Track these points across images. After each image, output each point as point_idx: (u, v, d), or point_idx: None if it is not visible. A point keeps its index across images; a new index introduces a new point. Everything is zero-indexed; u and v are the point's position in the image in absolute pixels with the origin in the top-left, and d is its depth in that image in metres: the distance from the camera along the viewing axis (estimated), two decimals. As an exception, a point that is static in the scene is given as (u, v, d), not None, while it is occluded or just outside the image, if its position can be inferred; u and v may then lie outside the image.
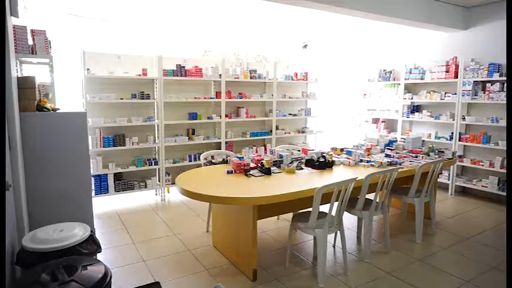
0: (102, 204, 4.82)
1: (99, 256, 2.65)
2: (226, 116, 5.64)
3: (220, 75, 5.50)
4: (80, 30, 5.73)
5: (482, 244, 3.71)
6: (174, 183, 4.35)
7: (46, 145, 2.74)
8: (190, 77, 5.26)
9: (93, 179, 4.65)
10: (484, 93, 5.04)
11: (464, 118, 5.30)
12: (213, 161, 4.09)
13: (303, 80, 6.44)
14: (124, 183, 4.94)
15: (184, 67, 5.22)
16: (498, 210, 4.78)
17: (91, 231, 2.43)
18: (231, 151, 5.19)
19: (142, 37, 6.42)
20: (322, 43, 7.76)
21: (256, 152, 5.86)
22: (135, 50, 6.22)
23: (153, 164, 5.11)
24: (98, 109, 4.79)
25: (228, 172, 3.32)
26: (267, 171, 3.26)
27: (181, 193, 2.91)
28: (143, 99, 4.95)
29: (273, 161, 3.52)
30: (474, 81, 5.14)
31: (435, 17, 5.09)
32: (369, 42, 6.91)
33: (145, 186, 5.09)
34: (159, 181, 5.24)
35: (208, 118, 5.54)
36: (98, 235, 3.59)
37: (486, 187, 5.08)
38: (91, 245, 2.34)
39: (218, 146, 5.66)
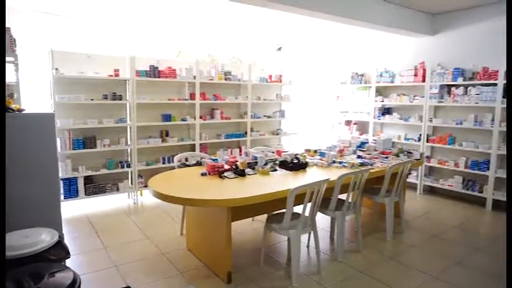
0: (72, 209, 4.67)
1: (68, 262, 2.56)
2: (200, 117, 5.59)
3: (194, 76, 5.45)
4: (48, 28, 5.54)
5: (448, 241, 3.87)
6: (147, 186, 4.28)
7: (11, 148, 2.62)
8: (164, 78, 5.19)
9: (62, 182, 4.49)
10: (450, 96, 5.27)
11: (432, 120, 5.52)
12: (187, 163, 4.06)
13: (277, 82, 6.50)
14: (95, 186, 4.80)
15: (157, 68, 5.15)
16: (463, 208, 5.00)
17: (59, 237, 2.35)
18: (206, 153, 5.16)
19: (114, 37, 6.28)
20: (296, 46, 7.86)
21: (231, 153, 5.85)
22: (106, 49, 6.07)
23: (125, 166, 4.99)
24: (67, 110, 4.63)
25: (202, 174, 3.30)
26: (241, 173, 3.26)
27: (154, 196, 2.86)
28: (115, 100, 4.84)
29: (248, 163, 3.52)
30: (440, 85, 5.37)
31: (403, 23, 5.27)
32: (342, 46, 7.07)
33: (118, 189, 4.97)
34: (131, 184, 5.13)
35: (182, 120, 5.48)
36: (67, 240, 3.47)
37: (452, 186, 5.31)
38: (59, 251, 2.26)
39: (192, 148, 5.61)
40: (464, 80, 5.12)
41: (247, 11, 5.29)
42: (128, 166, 5.03)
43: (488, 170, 4.89)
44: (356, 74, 6.56)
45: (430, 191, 5.78)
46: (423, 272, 3.16)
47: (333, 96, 7.02)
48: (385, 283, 2.96)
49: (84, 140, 4.66)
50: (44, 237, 2.25)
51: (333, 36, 7.09)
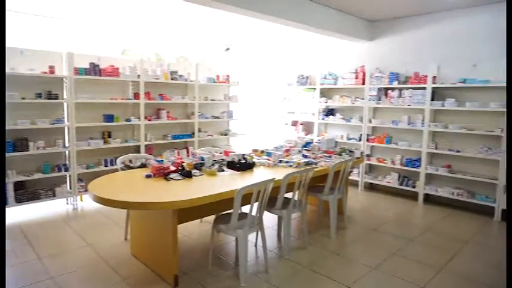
0: (1, 218, 4.26)
1: (-6, 276, 2.33)
2: (145, 118, 5.41)
3: (138, 75, 5.26)
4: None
5: (386, 233, 4.14)
6: (87, 190, 4.04)
7: None
8: (106, 76, 4.95)
9: (-12, 189, 4.09)
10: (386, 98, 5.64)
11: (371, 121, 5.87)
12: (131, 165, 3.90)
13: (225, 82, 6.50)
14: (28, 192, 4.43)
15: (98, 66, 4.89)
16: (399, 202, 5.38)
17: (-17, 249, 2.13)
18: (151, 154, 5.01)
19: (50, 31, 5.86)
20: (244, 47, 7.92)
21: (178, 154, 5.72)
22: (41, 44, 5.65)
23: (62, 170, 4.68)
24: (-6, 110, 4.23)
25: (147, 176, 3.20)
26: (187, 174, 3.21)
27: (94, 200, 2.71)
28: (50, 99, 4.51)
29: (195, 164, 3.48)
30: (378, 88, 5.72)
31: (343, 28, 5.52)
32: (288, 48, 7.25)
33: (54, 195, 4.64)
34: (70, 188, 4.82)
35: (126, 120, 5.27)
36: (-6, 252, 3.17)
37: (389, 182, 5.69)
38: (-17, 264, 2.05)
39: (137, 149, 5.40)
40: (399, 83, 5.51)
41: (194, 9, 5.23)
42: (66, 170, 4.72)
43: (419, 166, 5.32)
44: (302, 76, 6.76)
45: (370, 187, 6.14)
46: (363, 264, 3.35)
47: (279, 97, 7.17)
48: (329, 277, 3.09)
49: (15, 143, 4.28)
50: (-35, 250, 2.03)
51: (280, 38, 7.25)
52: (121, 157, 4.05)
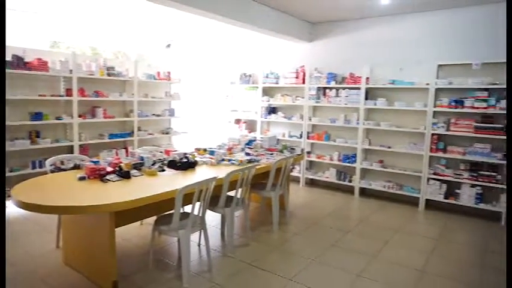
0: None
1: None
2: (79, 116, 5.08)
3: (71, 70, 4.92)
4: None
5: (325, 226, 4.34)
6: (10, 196, 3.69)
7: None
8: (34, 70, 4.54)
9: None
10: (325, 97, 5.90)
11: (311, 119, 6.10)
12: (63, 167, 3.63)
13: (166, 79, 6.32)
14: None
15: (23, 59, 4.48)
16: (337, 197, 5.66)
17: None
18: (86, 155, 4.70)
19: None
20: (186, 43, 7.77)
21: (117, 154, 5.46)
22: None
23: (-19, 174, 4.21)
24: None
25: (80, 178, 3.00)
26: (125, 175, 3.07)
27: (17, 206, 2.48)
28: (-35, 95, 4.03)
29: (133, 164, 3.34)
30: (317, 87, 5.96)
31: (284, 28, 5.65)
32: (231, 46, 7.25)
33: (-29, 202, 4.16)
34: (-9, 194, 4.36)
35: (57, 118, 4.90)
36: None
37: (328, 178, 5.96)
38: None
39: (70, 149, 5.05)
40: (336, 83, 5.79)
41: (134, 3, 4.99)
42: (-14, 173, 4.26)
43: (355, 162, 5.64)
44: (244, 74, 6.81)
45: (311, 183, 6.38)
46: (304, 257, 3.47)
47: (222, 95, 7.15)
48: (271, 271, 3.16)
49: None
50: None
51: (223, 36, 7.22)
52: (51, 158, 3.75)
